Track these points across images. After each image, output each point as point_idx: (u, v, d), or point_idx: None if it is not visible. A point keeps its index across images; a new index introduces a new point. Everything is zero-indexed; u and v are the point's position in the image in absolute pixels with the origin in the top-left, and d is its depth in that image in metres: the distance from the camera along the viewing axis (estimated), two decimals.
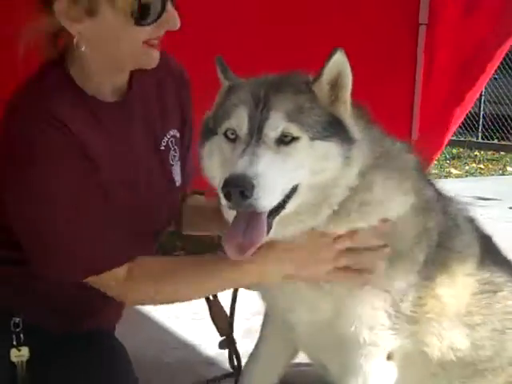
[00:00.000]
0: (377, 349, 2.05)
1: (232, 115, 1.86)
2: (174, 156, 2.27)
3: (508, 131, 13.08)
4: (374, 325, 2.03)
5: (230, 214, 1.93)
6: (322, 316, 2.06)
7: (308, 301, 2.05)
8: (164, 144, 2.24)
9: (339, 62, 1.86)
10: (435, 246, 2.07)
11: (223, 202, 1.75)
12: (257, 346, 2.42)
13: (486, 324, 2.15)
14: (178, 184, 2.28)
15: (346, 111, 1.90)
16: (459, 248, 2.14)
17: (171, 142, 2.26)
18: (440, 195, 2.19)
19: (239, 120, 1.84)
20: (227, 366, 2.81)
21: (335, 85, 1.88)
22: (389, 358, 2.08)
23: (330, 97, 1.89)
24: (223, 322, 2.45)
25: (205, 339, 3.11)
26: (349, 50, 4.25)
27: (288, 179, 1.80)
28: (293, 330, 2.20)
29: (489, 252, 2.23)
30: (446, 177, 9.06)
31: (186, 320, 3.65)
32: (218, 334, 2.47)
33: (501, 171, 9.83)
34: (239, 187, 1.70)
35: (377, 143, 2.00)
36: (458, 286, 2.12)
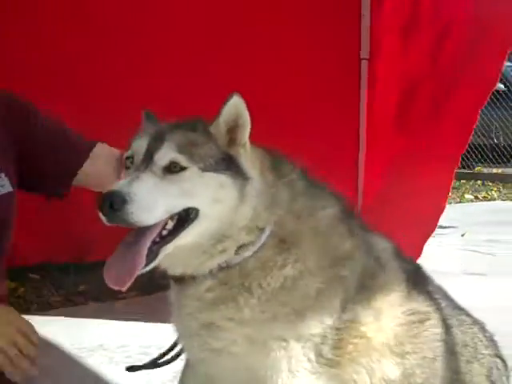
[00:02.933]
0: None
1: (133, 145, 1.98)
2: None
3: (468, 159, 13.25)
4: (294, 369, 2.00)
5: None
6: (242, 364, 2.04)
7: (228, 364, 2.06)
8: None
9: (235, 105, 1.96)
10: (355, 289, 2.06)
11: (101, 217, 1.84)
12: None
13: (415, 352, 2.13)
14: None
15: (243, 152, 1.99)
16: (383, 285, 2.13)
17: None
18: (365, 234, 2.18)
19: (137, 149, 1.95)
20: None
21: (233, 127, 1.98)
22: None
23: (226, 138, 1.98)
24: None
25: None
26: (292, 85, 4.34)
27: (173, 201, 1.88)
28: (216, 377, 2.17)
29: (416, 283, 2.22)
30: None
31: (118, 364, 3.57)
32: None
33: (459, 199, 9.96)
34: (109, 200, 1.80)
35: (288, 198, 2.05)
36: (383, 320, 2.10)
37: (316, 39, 4.43)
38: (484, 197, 9.73)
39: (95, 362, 3.61)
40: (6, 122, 2.37)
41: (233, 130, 1.98)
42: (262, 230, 2.01)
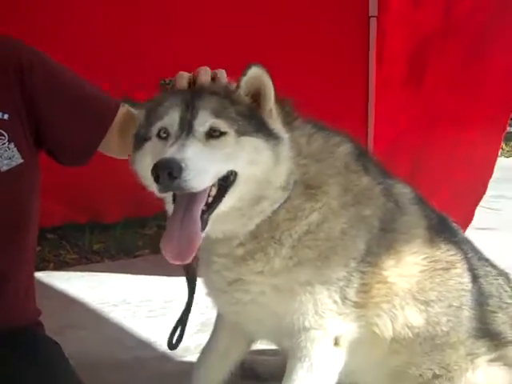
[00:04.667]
0: (323, 333, 2.09)
1: (165, 116, 1.98)
2: None
3: None
4: (320, 311, 2.08)
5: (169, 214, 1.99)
6: (269, 312, 2.12)
7: (256, 313, 2.14)
8: None
9: (255, 76, 1.98)
10: (378, 230, 2.12)
11: (154, 186, 1.85)
12: (211, 339, 2.46)
13: (441, 300, 2.20)
14: (5, 168, 2.21)
15: (270, 117, 2.02)
16: (403, 229, 2.19)
17: None
18: (383, 177, 2.23)
19: (171, 119, 1.95)
20: (184, 360, 2.82)
21: (256, 95, 2.00)
22: (336, 343, 2.12)
23: (250, 103, 2.00)
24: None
25: (161, 336, 3.09)
26: (302, 47, 4.31)
27: (220, 165, 1.91)
28: (245, 326, 2.28)
29: (441, 231, 2.28)
30: None
31: (142, 319, 3.65)
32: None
33: None
34: (167, 169, 1.79)
35: (305, 144, 2.11)
36: (405, 266, 2.16)
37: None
38: None
39: (118, 316, 3.66)
40: (22, 79, 2.25)
41: (256, 96, 2.00)
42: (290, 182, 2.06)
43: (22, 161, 2.22)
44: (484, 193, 4.78)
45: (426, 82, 4.39)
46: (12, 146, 2.22)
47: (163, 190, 1.85)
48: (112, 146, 2.38)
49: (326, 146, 2.16)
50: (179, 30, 4.35)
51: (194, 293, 2.36)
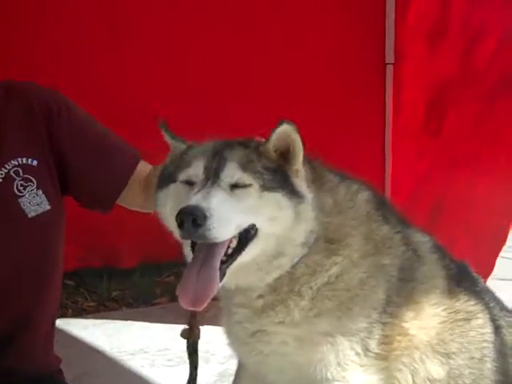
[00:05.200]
0: None
1: (192, 165, 1.98)
2: (25, 186, 2.22)
3: None
4: (342, 362, 2.03)
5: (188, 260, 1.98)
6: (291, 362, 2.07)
7: (277, 363, 2.08)
8: (1, 176, 2.21)
9: (285, 132, 1.97)
10: (397, 280, 2.09)
11: (176, 232, 1.86)
12: None
13: (462, 352, 2.14)
14: (32, 215, 2.22)
15: (296, 176, 2.00)
16: (423, 279, 2.15)
17: (15, 172, 2.22)
18: (402, 226, 2.20)
19: (197, 168, 1.96)
20: None
21: (285, 153, 1.99)
22: None
23: (277, 159, 1.99)
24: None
25: None
26: (319, 91, 4.34)
27: (242, 217, 1.90)
28: (266, 376, 2.20)
29: (461, 281, 2.23)
30: None
31: (160, 368, 3.63)
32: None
33: None
34: (192, 215, 1.79)
35: (327, 198, 2.09)
36: (425, 317, 2.11)
37: (341, 43, 4.44)
38: None
39: (136, 364, 3.66)
40: (50, 125, 2.27)
41: (285, 154, 1.99)
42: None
43: (49, 207, 2.23)
44: (505, 241, 4.74)
45: (445, 130, 4.40)
46: (40, 192, 2.23)
47: (186, 236, 1.85)
48: (136, 199, 2.40)
49: (347, 195, 2.14)
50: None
51: (196, 367, 2.37)
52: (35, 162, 2.24)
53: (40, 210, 2.23)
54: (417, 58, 4.43)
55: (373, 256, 2.08)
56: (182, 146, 2.10)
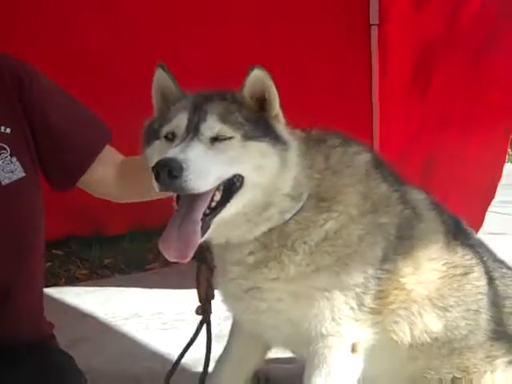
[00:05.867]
0: (340, 340, 2.09)
1: (173, 119, 2.01)
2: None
3: None
4: (337, 317, 2.08)
5: None
6: (286, 319, 2.12)
7: (273, 320, 2.15)
8: None
9: (258, 77, 1.99)
10: (395, 238, 2.13)
11: (154, 184, 1.87)
12: (226, 347, 2.45)
13: (459, 305, 2.20)
14: (6, 182, 2.19)
15: (277, 121, 2.03)
16: (421, 236, 2.20)
17: None
18: (399, 185, 2.24)
19: (179, 121, 1.99)
20: (197, 371, 2.80)
21: (261, 99, 2.01)
22: (354, 350, 2.12)
23: (256, 107, 2.02)
24: (203, 290, 2.41)
25: (174, 349, 3.09)
26: (303, 54, 4.32)
27: (223, 168, 1.92)
28: (261, 333, 2.27)
29: (457, 235, 2.29)
30: None
31: (154, 331, 3.65)
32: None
33: None
34: (167, 167, 1.81)
35: (320, 155, 2.12)
36: (423, 272, 2.17)
37: (325, 8, 4.41)
38: None
39: (131, 329, 3.67)
40: (22, 94, 2.25)
41: (261, 101, 2.01)
42: (301, 194, 2.07)
43: (23, 175, 2.21)
44: (493, 196, 4.80)
45: (432, 89, 4.40)
46: (14, 159, 2.21)
47: (163, 188, 1.87)
48: (105, 182, 2.37)
49: (345, 156, 2.16)
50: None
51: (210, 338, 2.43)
52: (8, 130, 2.22)
53: (14, 178, 2.20)
54: (401, 18, 4.40)
55: (371, 214, 2.11)
56: (178, 92, 2.10)
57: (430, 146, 4.49)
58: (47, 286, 4.26)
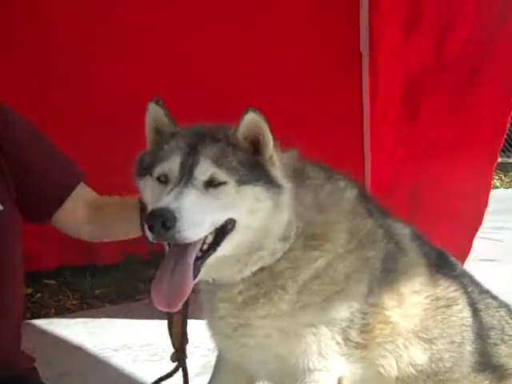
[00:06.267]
0: (327, 374, 2.08)
1: (166, 160, 1.96)
2: None
3: None
4: (324, 352, 2.07)
5: None
6: (274, 354, 2.10)
7: (260, 355, 2.12)
8: None
9: (252, 120, 1.96)
10: (379, 271, 2.12)
11: (148, 235, 1.83)
12: (211, 380, 2.40)
13: (443, 337, 2.19)
14: None
15: (271, 164, 2.00)
16: (405, 269, 2.19)
17: None
18: (384, 219, 2.23)
19: (172, 163, 1.94)
20: None
21: (255, 141, 1.98)
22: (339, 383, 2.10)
23: (250, 149, 1.98)
24: (178, 337, 2.40)
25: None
26: (295, 81, 4.36)
27: (218, 215, 1.89)
28: (247, 368, 2.25)
29: (441, 267, 2.28)
30: None
31: (143, 363, 3.64)
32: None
33: None
34: (161, 218, 1.77)
35: (310, 193, 2.09)
36: (408, 306, 2.15)
37: (316, 36, 4.45)
38: None
39: (120, 361, 3.65)
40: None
41: (255, 143, 1.98)
42: (291, 233, 2.05)
43: (1, 208, 2.19)
44: (480, 224, 4.80)
45: (420, 116, 4.44)
46: None
47: (157, 239, 1.84)
48: (76, 218, 2.37)
49: (333, 194, 2.15)
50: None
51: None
52: None
53: None
54: (391, 47, 4.45)
55: (358, 250, 2.10)
56: (172, 128, 2.05)
57: (418, 175, 4.51)
58: (37, 318, 4.30)
